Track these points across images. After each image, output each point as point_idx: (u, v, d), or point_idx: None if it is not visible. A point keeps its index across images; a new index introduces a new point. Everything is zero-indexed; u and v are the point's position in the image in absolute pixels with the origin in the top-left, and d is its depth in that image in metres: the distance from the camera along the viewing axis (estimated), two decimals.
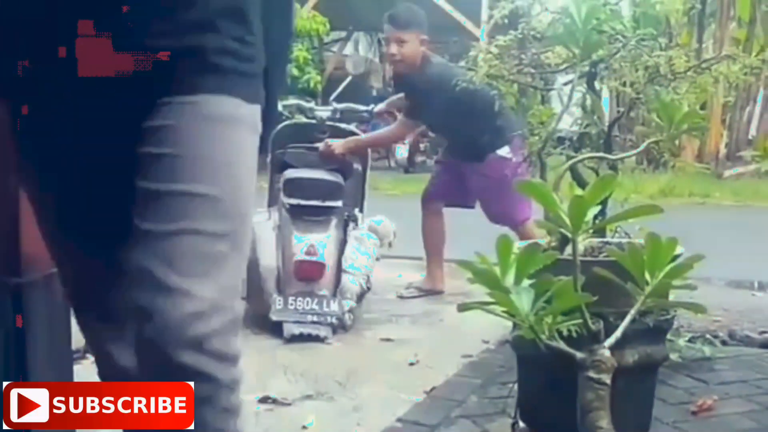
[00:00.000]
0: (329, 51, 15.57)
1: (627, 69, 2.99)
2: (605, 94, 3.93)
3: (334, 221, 3.87)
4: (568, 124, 3.44)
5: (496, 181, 4.13)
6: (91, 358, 3.18)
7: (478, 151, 4.25)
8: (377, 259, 4.00)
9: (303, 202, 3.82)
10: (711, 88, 3.40)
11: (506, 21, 3.63)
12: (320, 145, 4.08)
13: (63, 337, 1.77)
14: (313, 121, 4.27)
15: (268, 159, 4.24)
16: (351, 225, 3.94)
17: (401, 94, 4.57)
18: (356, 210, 4.13)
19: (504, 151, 4.22)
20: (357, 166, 4.25)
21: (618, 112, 3.37)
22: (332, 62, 15.13)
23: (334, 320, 3.58)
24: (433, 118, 4.30)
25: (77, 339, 2.62)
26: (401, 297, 4.39)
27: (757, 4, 13.75)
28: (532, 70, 3.36)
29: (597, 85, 3.11)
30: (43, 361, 1.69)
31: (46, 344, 1.70)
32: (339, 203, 3.90)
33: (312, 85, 12.90)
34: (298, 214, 3.83)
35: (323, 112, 4.35)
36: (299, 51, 13.04)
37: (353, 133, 4.42)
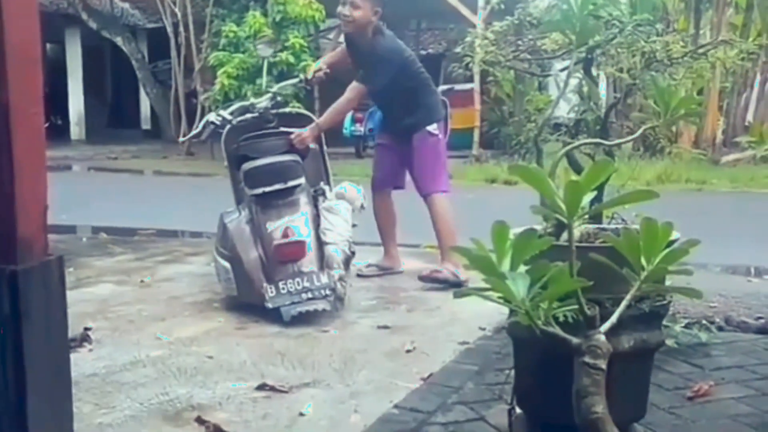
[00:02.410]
0: (325, 38, 15.50)
1: (624, 55, 2.99)
2: (602, 80, 3.93)
3: (302, 199, 3.90)
4: (564, 110, 3.44)
5: (421, 151, 4.48)
6: (88, 347, 3.19)
7: (414, 124, 4.47)
8: (354, 225, 4.03)
9: (267, 189, 3.84)
10: (708, 74, 3.39)
11: (503, 7, 3.64)
12: (292, 136, 4.13)
13: (59, 324, 1.76)
14: (255, 115, 4.28)
15: (225, 164, 4.34)
16: (321, 199, 3.98)
17: (334, 53, 4.83)
18: (323, 184, 4.17)
19: (432, 127, 4.51)
20: (313, 145, 4.29)
21: (614, 98, 3.37)
22: (329, 49, 15.05)
23: (327, 292, 3.62)
24: (378, 86, 4.39)
25: (73, 327, 2.62)
26: (360, 275, 4.47)
27: None
28: (529, 56, 3.35)
29: (593, 71, 3.10)
30: (39, 350, 1.68)
31: (42, 332, 1.70)
32: (301, 180, 3.93)
33: (307, 71, 12.84)
34: (265, 201, 3.85)
35: (263, 102, 4.37)
36: (295, 38, 12.98)
37: (300, 114, 4.57)
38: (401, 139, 4.53)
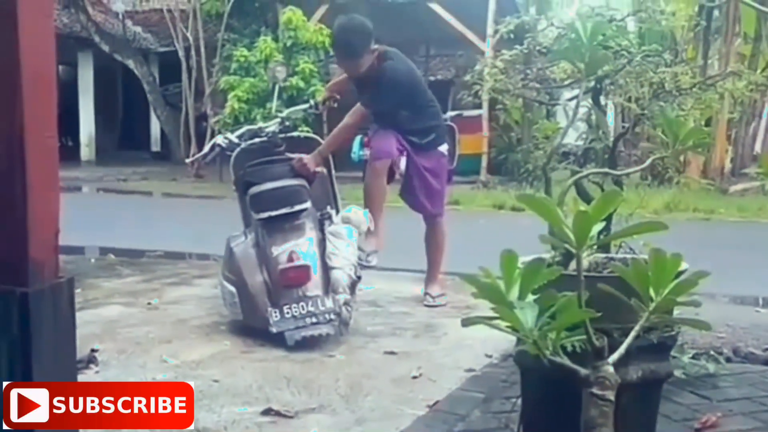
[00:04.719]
0: (335, 63, 15.62)
1: (632, 85, 3.01)
2: (610, 109, 3.95)
3: (308, 223, 3.89)
4: (573, 138, 3.46)
5: (435, 173, 4.51)
6: (94, 368, 3.19)
7: (427, 144, 4.46)
8: (360, 249, 4.01)
9: (273, 213, 3.84)
10: (716, 105, 3.40)
11: (512, 35, 3.65)
12: (294, 161, 4.12)
13: (67, 346, 1.77)
14: (264, 138, 4.29)
15: (233, 187, 4.34)
16: (327, 223, 3.96)
17: (339, 80, 4.77)
18: (330, 208, 4.16)
19: (444, 148, 4.55)
20: (320, 168, 4.28)
21: (623, 127, 3.38)
22: (337, 75, 15.10)
23: (332, 316, 3.61)
24: (385, 107, 4.33)
25: (80, 348, 2.62)
26: (365, 266, 4.24)
27: (763, 20, 13.78)
28: (538, 85, 3.37)
29: (602, 100, 3.12)
30: (47, 371, 1.69)
31: (51, 354, 1.70)
32: (307, 205, 3.92)
33: (317, 96, 12.94)
34: (271, 225, 3.85)
35: (272, 126, 4.37)
36: (305, 63, 13.08)
37: (308, 138, 4.57)
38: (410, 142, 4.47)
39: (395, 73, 4.29)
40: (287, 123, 4.48)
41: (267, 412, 2.75)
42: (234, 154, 4.26)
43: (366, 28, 4.30)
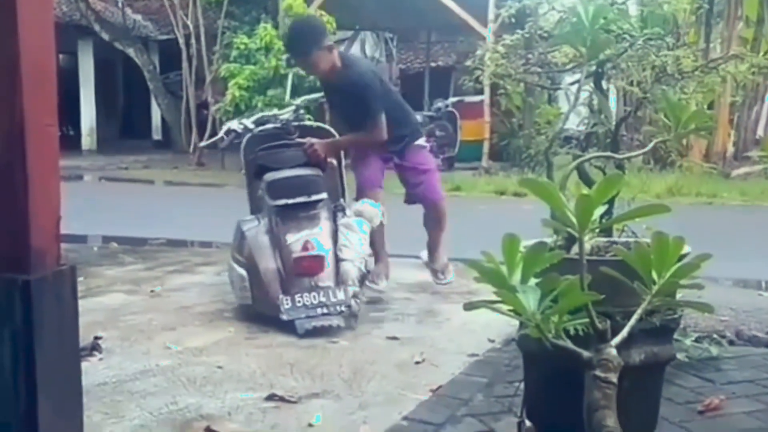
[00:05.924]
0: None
1: (634, 68, 3.00)
2: (612, 93, 3.94)
3: (323, 214, 3.91)
4: (575, 123, 3.45)
5: (421, 167, 4.55)
6: (98, 356, 3.21)
7: (404, 147, 4.48)
8: (370, 242, 4.03)
9: (290, 201, 3.86)
10: (718, 88, 3.40)
11: (513, 20, 3.65)
12: (305, 143, 4.14)
13: (70, 334, 1.78)
14: (278, 125, 4.30)
15: (242, 171, 4.35)
16: (340, 215, 3.98)
17: None
18: (342, 200, 4.20)
19: (421, 141, 4.64)
20: (331, 159, 4.31)
21: (625, 111, 3.37)
22: None
23: (343, 308, 3.63)
24: (380, 112, 4.25)
25: (83, 336, 2.63)
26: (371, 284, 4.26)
27: (765, 3, 13.71)
28: (539, 70, 3.36)
29: (604, 84, 3.11)
30: (51, 359, 1.69)
31: (54, 341, 1.71)
32: (324, 195, 3.95)
33: (318, 84, 12.91)
34: (287, 213, 3.85)
35: (286, 113, 4.39)
36: None
37: (321, 128, 4.56)
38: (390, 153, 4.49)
39: (364, 78, 4.25)
40: (302, 111, 4.47)
41: (271, 397, 2.76)
42: (245, 139, 4.26)
43: (314, 26, 4.35)
